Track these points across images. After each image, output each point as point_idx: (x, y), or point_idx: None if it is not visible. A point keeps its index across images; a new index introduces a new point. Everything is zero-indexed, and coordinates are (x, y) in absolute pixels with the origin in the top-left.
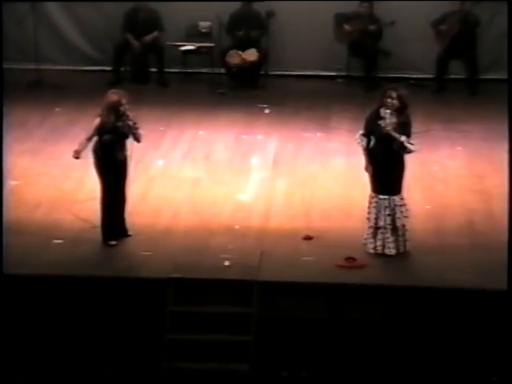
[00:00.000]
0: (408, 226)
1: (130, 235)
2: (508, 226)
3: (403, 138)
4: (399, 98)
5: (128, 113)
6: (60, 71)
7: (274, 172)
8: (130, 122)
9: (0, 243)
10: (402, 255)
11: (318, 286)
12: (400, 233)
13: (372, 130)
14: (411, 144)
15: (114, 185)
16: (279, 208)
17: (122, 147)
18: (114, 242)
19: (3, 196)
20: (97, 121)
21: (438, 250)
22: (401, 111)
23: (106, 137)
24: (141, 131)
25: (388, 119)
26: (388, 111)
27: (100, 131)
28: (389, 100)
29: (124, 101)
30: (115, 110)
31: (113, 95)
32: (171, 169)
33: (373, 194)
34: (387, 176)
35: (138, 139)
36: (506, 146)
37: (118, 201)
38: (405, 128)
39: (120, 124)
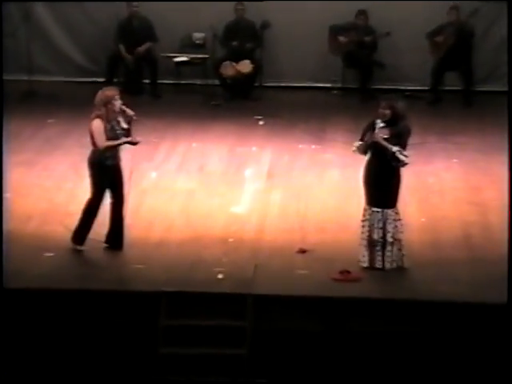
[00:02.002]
0: (403, 240)
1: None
2: (508, 239)
3: (395, 149)
4: (391, 108)
5: (124, 107)
6: (53, 82)
7: (269, 184)
8: (128, 117)
9: (0, 257)
10: (397, 268)
11: (312, 300)
12: (395, 248)
13: (365, 139)
14: (404, 156)
15: (102, 192)
16: (273, 221)
17: (115, 151)
18: (81, 248)
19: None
20: (97, 123)
21: (433, 263)
22: (394, 122)
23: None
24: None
25: (378, 129)
26: (378, 121)
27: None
28: (381, 110)
29: (118, 96)
30: (111, 106)
31: (105, 91)
32: (164, 181)
33: (366, 207)
34: (381, 188)
35: (132, 139)
36: (502, 158)
37: (98, 209)
38: (399, 139)
39: (115, 123)
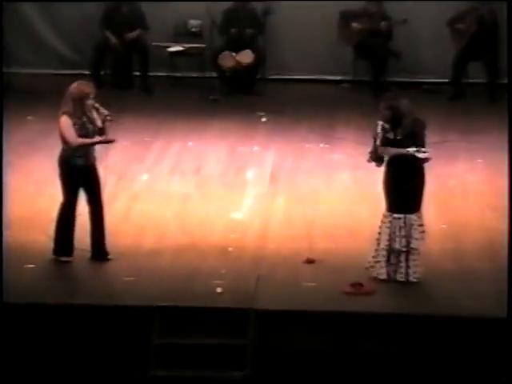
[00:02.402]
0: (422, 248)
1: (110, 259)
2: (508, 252)
3: (411, 150)
4: (391, 108)
5: (97, 105)
6: (32, 75)
7: (272, 188)
8: (102, 115)
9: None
10: (413, 281)
11: (321, 315)
12: (415, 257)
13: (383, 145)
14: (423, 152)
15: (75, 194)
16: (278, 227)
17: (88, 150)
18: (66, 259)
19: None
20: (65, 119)
21: (454, 275)
22: (397, 122)
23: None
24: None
25: (380, 133)
26: (381, 122)
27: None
28: (381, 111)
29: (92, 93)
30: (82, 104)
31: (79, 86)
32: (157, 184)
33: (386, 213)
34: (403, 192)
35: (106, 138)
36: None
37: (73, 214)
38: (414, 137)
39: (86, 120)
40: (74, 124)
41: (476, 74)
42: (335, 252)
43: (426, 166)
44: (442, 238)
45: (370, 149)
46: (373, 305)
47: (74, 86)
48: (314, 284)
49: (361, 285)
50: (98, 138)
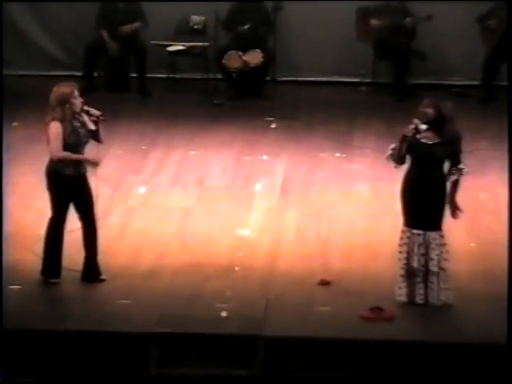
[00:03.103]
0: (449, 269)
1: (103, 280)
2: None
3: (461, 167)
4: (436, 107)
5: (87, 107)
6: (19, 77)
7: (283, 201)
8: (94, 117)
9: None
10: (441, 305)
11: (336, 343)
12: (440, 279)
13: (409, 146)
14: (465, 167)
15: (65, 208)
16: (289, 246)
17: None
18: (56, 280)
19: None
20: (55, 126)
21: (485, 299)
22: (438, 124)
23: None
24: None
25: (412, 131)
26: (417, 121)
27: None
28: (422, 109)
29: (77, 93)
30: (70, 106)
31: (59, 89)
32: (155, 197)
33: (405, 229)
34: (424, 206)
35: (99, 139)
36: None
37: (62, 230)
38: (450, 146)
39: (77, 124)
40: (65, 130)
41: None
42: (352, 273)
43: None
44: (471, 258)
45: (393, 145)
46: (394, 332)
47: (54, 90)
48: (328, 308)
49: (380, 309)
50: (82, 156)
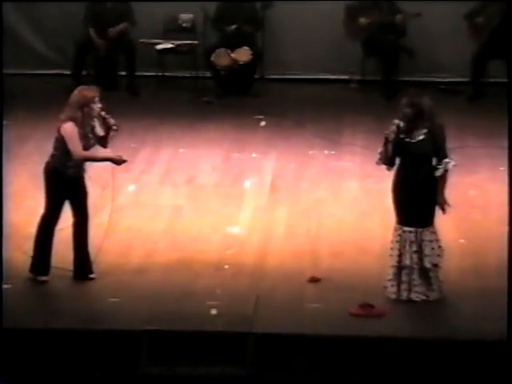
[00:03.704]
0: (441, 266)
1: (93, 278)
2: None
3: (449, 163)
4: (414, 105)
5: (104, 113)
6: (7, 76)
7: (273, 199)
8: (107, 124)
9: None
10: (432, 301)
11: (326, 339)
12: (432, 274)
13: (394, 146)
14: (445, 164)
15: (59, 206)
16: (279, 243)
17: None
18: (44, 278)
19: None
20: (71, 126)
21: (475, 295)
22: (417, 123)
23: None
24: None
25: (393, 132)
26: (397, 121)
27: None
28: (401, 109)
29: (96, 97)
30: (89, 110)
31: (81, 91)
32: (145, 195)
33: (397, 226)
34: (414, 203)
35: (105, 145)
36: None
37: (54, 228)
38: (432, 144)
39: (89, 129)
40: (79, 133)
41: (497, 73)
42: (342, 270)
43: None
44: (460, 253)
45: (379, 149)
46: (384, 328)
47: (76, 93)
48: (318, 305)
49: (371, 306)
50: (107, 154)
